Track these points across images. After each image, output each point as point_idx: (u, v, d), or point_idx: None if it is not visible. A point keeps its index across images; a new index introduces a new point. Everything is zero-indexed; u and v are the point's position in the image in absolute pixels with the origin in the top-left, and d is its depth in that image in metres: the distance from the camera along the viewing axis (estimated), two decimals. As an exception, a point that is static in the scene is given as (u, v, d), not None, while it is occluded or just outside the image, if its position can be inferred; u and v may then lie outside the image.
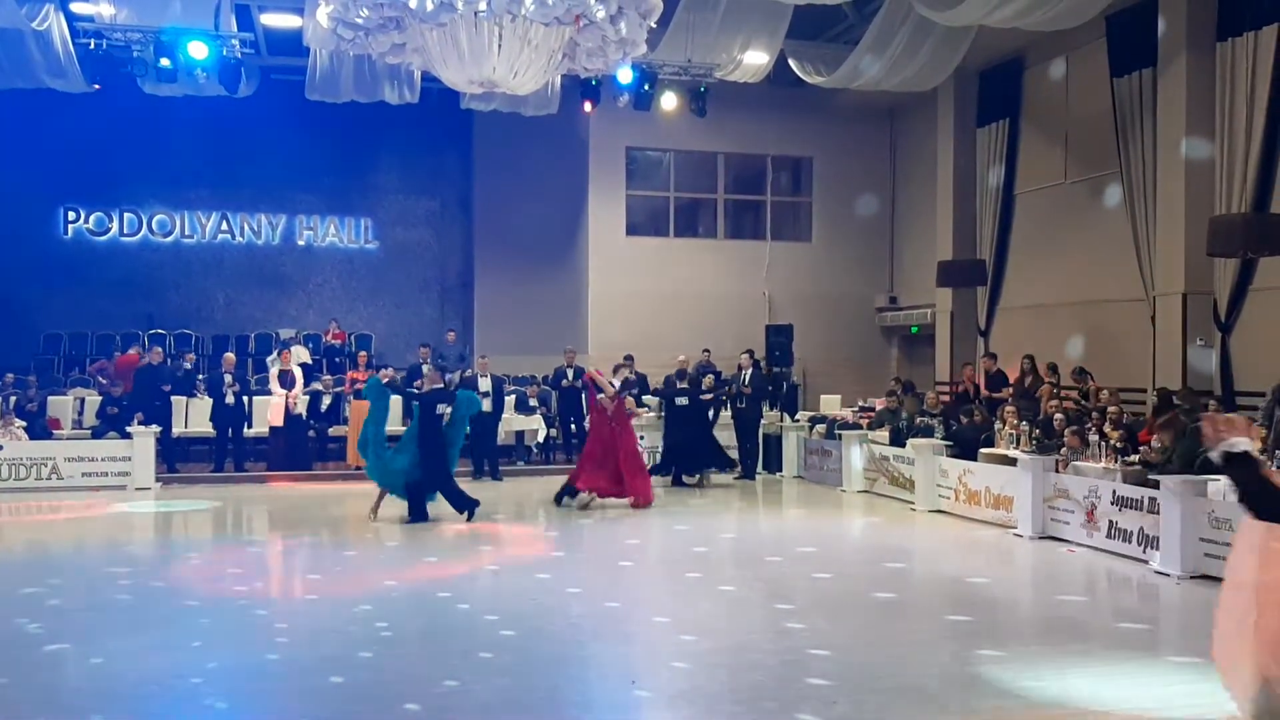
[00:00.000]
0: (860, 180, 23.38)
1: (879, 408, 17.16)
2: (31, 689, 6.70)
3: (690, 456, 16.59)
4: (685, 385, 16.99)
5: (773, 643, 7.83)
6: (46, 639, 7.82)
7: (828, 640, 7.82)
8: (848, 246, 23.40)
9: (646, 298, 22.05)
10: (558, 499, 14.23)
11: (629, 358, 18.91)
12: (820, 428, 17.44)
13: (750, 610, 9.03)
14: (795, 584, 10.00)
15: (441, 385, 13.62)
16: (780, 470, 17.81)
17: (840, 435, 16.34)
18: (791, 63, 18.18)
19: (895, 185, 23.69)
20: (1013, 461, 12.74)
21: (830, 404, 19.18)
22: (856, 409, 18.12)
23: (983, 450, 13.88)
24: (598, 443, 14.26)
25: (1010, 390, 16.33)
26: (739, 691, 6.72)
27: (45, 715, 6.27)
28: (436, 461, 12.97)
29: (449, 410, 13.14)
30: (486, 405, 17.04)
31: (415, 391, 13.68)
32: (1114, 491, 11.16)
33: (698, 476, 16.61)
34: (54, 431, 16.81)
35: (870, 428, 16.52)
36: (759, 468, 17.74)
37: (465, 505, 13.03)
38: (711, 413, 17.00)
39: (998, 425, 14.16)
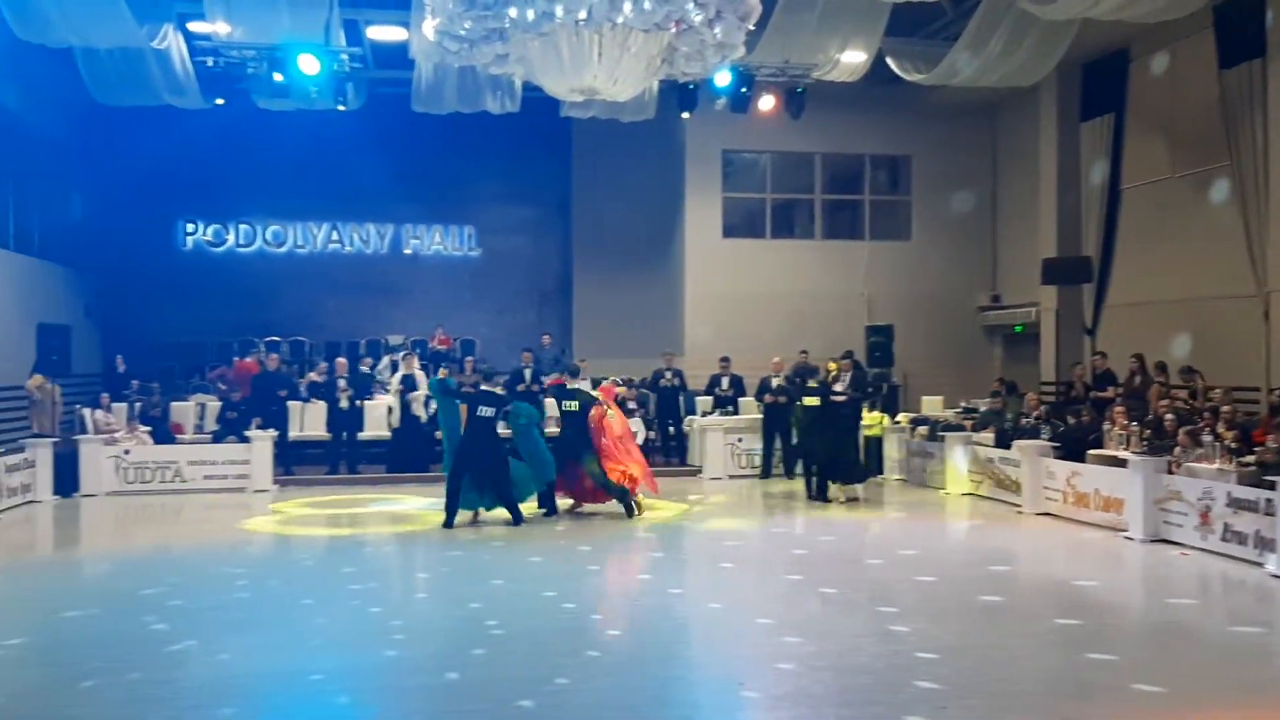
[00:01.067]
0: (961, 177, 23.11)
1: (982, 409, 16.94)
2: (164, 684, 7.05)
3: (837, 466, 15.21)
4: (815, 385, 15.93)
5: (878, 645, 7.84)
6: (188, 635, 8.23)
7: (934, 644, 7.80)
8: (948, 245, 23.15)
9: (743, 299, 22.10)
10: (629, 510, 13.77)
11: (725, 360, 18.94)
12: (922, 429, 17.27)
13: (853, 613, 9.04)
14: (898, 587, 9.96)
15: (486, 387, 13.52)
16: (880, 472, 17.66)
17: (943, 437, 16.16)
18: (889, 61, 18.04)
19: (997, 182, 23.36)
20: (1122, 463, 12.51)
21: (932, 405, 18.99)
22: (959, 410, 17.90)
23: (1091, 451, 13.65)
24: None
25: (1119, 390, 16.00)
26: (846, 693, 6.76)
27: (179, 708, 6.61)
28: (477, 462, 12.90)
29: (490, 412, 13.00)
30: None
31: (466, 392, 13.39)
32: (1229, 493, 10.90)
33: (854, 492, 15.34)
34: (177, 436, 17.53)
35: (975, 429, 16.31)
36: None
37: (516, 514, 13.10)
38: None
39: (1106, 426, 13.91)
